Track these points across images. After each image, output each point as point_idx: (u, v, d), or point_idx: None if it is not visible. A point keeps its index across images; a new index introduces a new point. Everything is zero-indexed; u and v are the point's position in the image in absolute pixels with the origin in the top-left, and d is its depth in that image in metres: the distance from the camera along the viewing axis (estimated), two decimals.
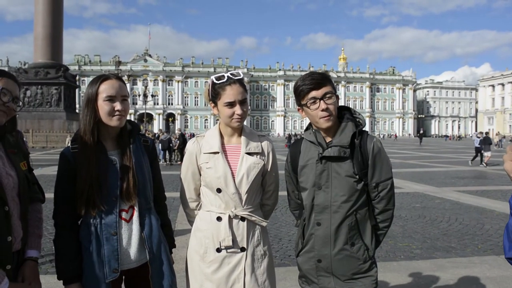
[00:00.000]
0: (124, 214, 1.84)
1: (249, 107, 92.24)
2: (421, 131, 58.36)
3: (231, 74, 1.97)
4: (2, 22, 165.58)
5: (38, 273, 1.79)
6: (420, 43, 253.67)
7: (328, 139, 1.95)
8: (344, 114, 1.98)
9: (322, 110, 1.87)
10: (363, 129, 1.96)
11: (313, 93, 1.88)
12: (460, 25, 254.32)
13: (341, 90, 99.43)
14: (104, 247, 1.78)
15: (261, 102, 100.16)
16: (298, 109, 2.02)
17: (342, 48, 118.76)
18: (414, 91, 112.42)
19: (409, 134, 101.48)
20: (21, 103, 1.78)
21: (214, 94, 1.97)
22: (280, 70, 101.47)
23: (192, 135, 35.23)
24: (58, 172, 1.83)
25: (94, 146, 1.79)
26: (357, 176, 1.89)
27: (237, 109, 1.93)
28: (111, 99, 1.79)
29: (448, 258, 4.80)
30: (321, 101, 1.87)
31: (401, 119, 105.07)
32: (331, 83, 1.92)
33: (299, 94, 1.93)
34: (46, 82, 34.58)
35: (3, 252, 1.60)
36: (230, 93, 1.93)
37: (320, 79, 1.89)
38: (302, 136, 2.08)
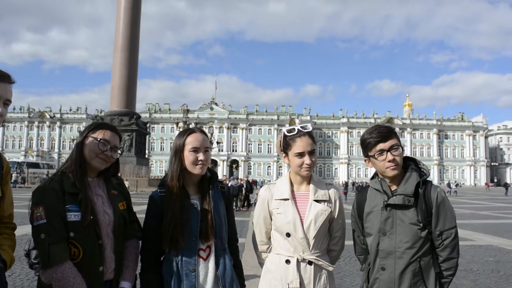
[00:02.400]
0: (202, 253, 2.03)
1: None
2: (497, 180, 54.97)
3: (301, 127, 2.17)
4: (85, 73, 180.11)
5: None
6: (492, 87, 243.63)
7: (393, 188, 2.08)
8: (409, 164, 2.11)
9: (389, 161, 2.02)
10: (428, 179, 2.07)
11: (381, 145, 2.04)
12: None
13: (407, 137, 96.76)
14: (183, 282, 1.98)
15: (324, 149, 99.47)
16: (365, 160, 2.17)
17: (407, 95, 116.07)
18: (486, 137, 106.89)
19: (490, 185, 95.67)
20: (119, 151, 2.06)
21: (286, 145, 2.16)
22: (343, 117, 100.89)
23: (255, 182, 35.65)
24: (147, 213, 2.08)
25: (179, 191, 2.03)
26: (421, 224, 1.99)
27: (306, 159, 2.11)
28: (195, 150, 2.04)
29: None
30: (388, 153, 2.02)
31: (472, 167, 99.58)
32: (397, 136, 2.08)
33: (367, 146, 2.09)
34: (120, 129, 36.46)
35: (96, 279, 1.85)
36: (300, 145, 2.11)
37: (386, 133, 2.06)
38: (368, 184, 2.22)
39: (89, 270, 1.83)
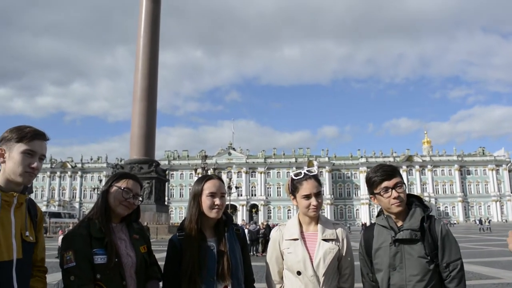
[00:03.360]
0: None
1: (332, 196, 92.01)
2: None
3: (307, 170, 2.33)
4: (105, 123, 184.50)
5: None
6: None
7: (399, 224, 2.19)
8: (412, 201, 2.23)
9: (394, 198, 2.14)
10: (430, 213, 2.18)
11: (386, 183, 2.17)
12: None
13: (428, 175, 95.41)
14: None
15: (344, 190, 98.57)
16: (371, 197, 2.30)
17: (425, 132, 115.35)
18: (510, 171, 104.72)
19: None
20: (140, 198, 2.26)
21: (293, 188, 2.32)
22: (361, 157, 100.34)
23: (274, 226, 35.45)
24: (167, 255, 2.23)
25: (197, 234, 2.18)
26: (429, 257, 2.08)
27: (313, 201, 2.25)
28: (212, 195, 2.21)
29: None
30: (393, 190, 2.15)
31: (498, 202, 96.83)
32: (400, 174, 2.22)
33: (372, 184, 2.23)
34: (140, 177, 36.97)
35: None
36: (306, 187, 2.27)
37: (390, 171, 2.20)
38: (375, 222, 2.33)
39: None
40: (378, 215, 2.33)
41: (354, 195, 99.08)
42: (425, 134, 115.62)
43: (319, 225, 2.31)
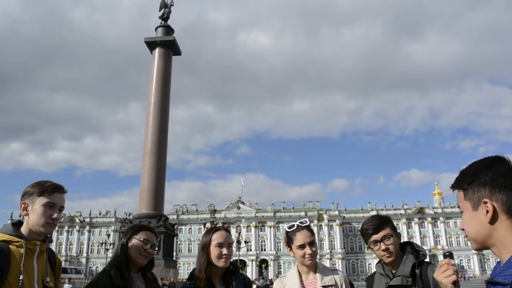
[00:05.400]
0: None
1: (343, 250, 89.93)
2: None
3: (299, 222, 2.48)
4: (115, 177, 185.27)
5: None
6: None
7: (394, 270, 2.30)
8: (406, 248, 2.34)
9: (383, 250, 2.27)
10: (425, 260, 2.28)
11: (374, 237, 2.31)
12: None
13: (440, 227, 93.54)
14: None
15: (356, 244, 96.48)
16: (367, 247, 2.42)
17: (436, 183, 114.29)
18: None
19: None
20: (156, 248, 2.41)
21: (288, 240, 2.48)
22: (372, 210, 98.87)
23: None
24: None
25: (206, 282, 2.30)
26: None
27: (307, 250, 2.39)
28: (220, 245, 2.35)
29: None
30: (381, 243, 2.28)
31: None
32: (390, 225, 2.34)
33: (364, 236, 2.38)
34: None
35: None
36: (299, 238, 2.41)
37: (377, 225, 2.32)
38: (376, 269, 2.44)
39: None
40: (378, 262, 2.44)
41: (366, 249, 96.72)
42: (436, 186, 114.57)
43: (317, 273, 2.42)
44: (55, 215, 2.02)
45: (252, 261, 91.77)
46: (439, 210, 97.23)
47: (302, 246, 2.41)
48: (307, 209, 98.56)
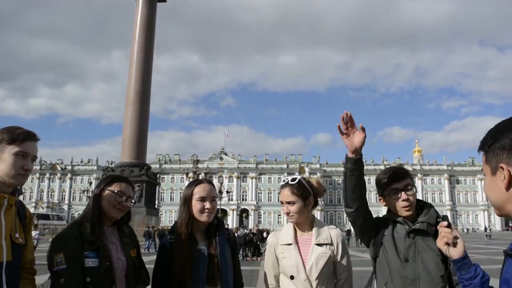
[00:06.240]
0: None
1: (323, 202, 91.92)
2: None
3: (285, 179, 2.37)
4: (98, 126, 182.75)
5: None
6: None
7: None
8: (423, 204, 2.19)
9: (403, 200, 2.11)
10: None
11: (395, 185, 2.13)
12: None
13: (417, 183, 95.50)
14: None
15: (335, 197, 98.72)
16: (380, 199, 2.25)
17: (416, 141, 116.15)
18: None
19: None
20: (133, 200, 2.26)
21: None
22: None
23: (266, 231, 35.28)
24: (157, 258, 2.24)
25: (187, 237, 2.19)
26: (441, 255, 1.99)
27: (285, 208, 2.32)
28: (202, 199, 2.22)
29: None
30: (402, 192, 2.11)
31: (485, 212, 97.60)
32: (411, 177, 2.18)
33: (382, 186, 2.19)
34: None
35: None
36: (281, 195, 2.34)
37: (401, 173, 2.17)
38: (387, 217, 2.24)
39: None
40: (388, 212, 2.27)
41: (344, 202, 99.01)
42: (416, 143, 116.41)
43: (313, 229, 2.34)
44: (27, 166, 1.85)
45: (233, 210, 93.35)
46: (418, 167, 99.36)
47: (283, 204, 2.36)
48: (289, 162, 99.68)
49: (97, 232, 2.06)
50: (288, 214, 2.30)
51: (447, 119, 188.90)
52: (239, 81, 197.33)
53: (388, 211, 2.26)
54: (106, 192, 2.16)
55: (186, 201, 2.25)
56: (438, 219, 2.05)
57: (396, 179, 2.14)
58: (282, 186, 2.34)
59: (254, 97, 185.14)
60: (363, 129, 2.09)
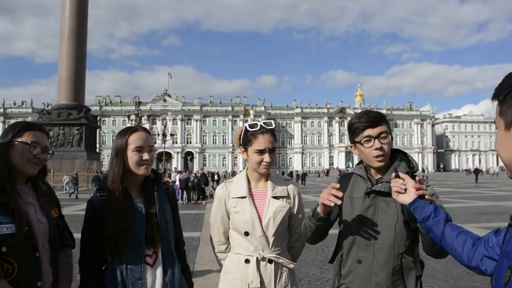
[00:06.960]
0: (148, 259, 1.90)
1: None
2: (443, 166, 56.81)
3: (264, 123, 2.08)
4: (31, 65, 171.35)
5: None
6: (441, 77, 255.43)
7: (378, 177, 1.90)
8: (397, 155, 1.95)
9: (376, 149, 1.83)
10: (415, 174, 1.87)
11: (368, 131, 1.84)
12: (481, 60, 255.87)
13: None
14: None
15: (279, 139, 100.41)
16: (351, 146, 1.99)
17: (359, 85, 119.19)
18: (433, 125, 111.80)
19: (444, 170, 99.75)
20: (50, 151, 1.88)
21: (246, 141, 2.08)
22: (297, 107, 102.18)
23: (210, 173, 35.34)
24: (85, 219, 1.91)
25: (122, 194, 1.87)
26: (404, 217, 1.80)
27: (266, 157, 2.03)
28: (139, 149, 1.89)
29: None
30: (376, 140, 1.83)
31: (420, 154, 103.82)
32: (387, 123, 1.90)
33: (354, 131, 1.90)
34: (68, 123, 35.56)
35: None
36: (261, 141, 2.03)
37: (376, 118, 1.86)
38: (353, 171, 2.03)
39: (25, 287, 1.66)
40: (358, 164, 2.04)
41: (288, 144, 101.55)
42: (359, 87, 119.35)
43: (269, 181, 2.11)
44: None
45: (178, 153, 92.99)
46: (359, 111, 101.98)
47: (261, 152, 2.04)
48: (234, 104, 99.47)
49: (9, 192, 1.68)
50: (268, 163, 2.04)
51: (389, 64, 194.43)
52: (182, 19, 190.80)
53: (360, 162, 2.02)
54: (17, 143, 1.76)
55: (120, 152, 1.90)
56: (414, 174, 1.84)
57: (370, 126, 1.85)
58: (261, 131, 2.04)
59: (199, 36, 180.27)
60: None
